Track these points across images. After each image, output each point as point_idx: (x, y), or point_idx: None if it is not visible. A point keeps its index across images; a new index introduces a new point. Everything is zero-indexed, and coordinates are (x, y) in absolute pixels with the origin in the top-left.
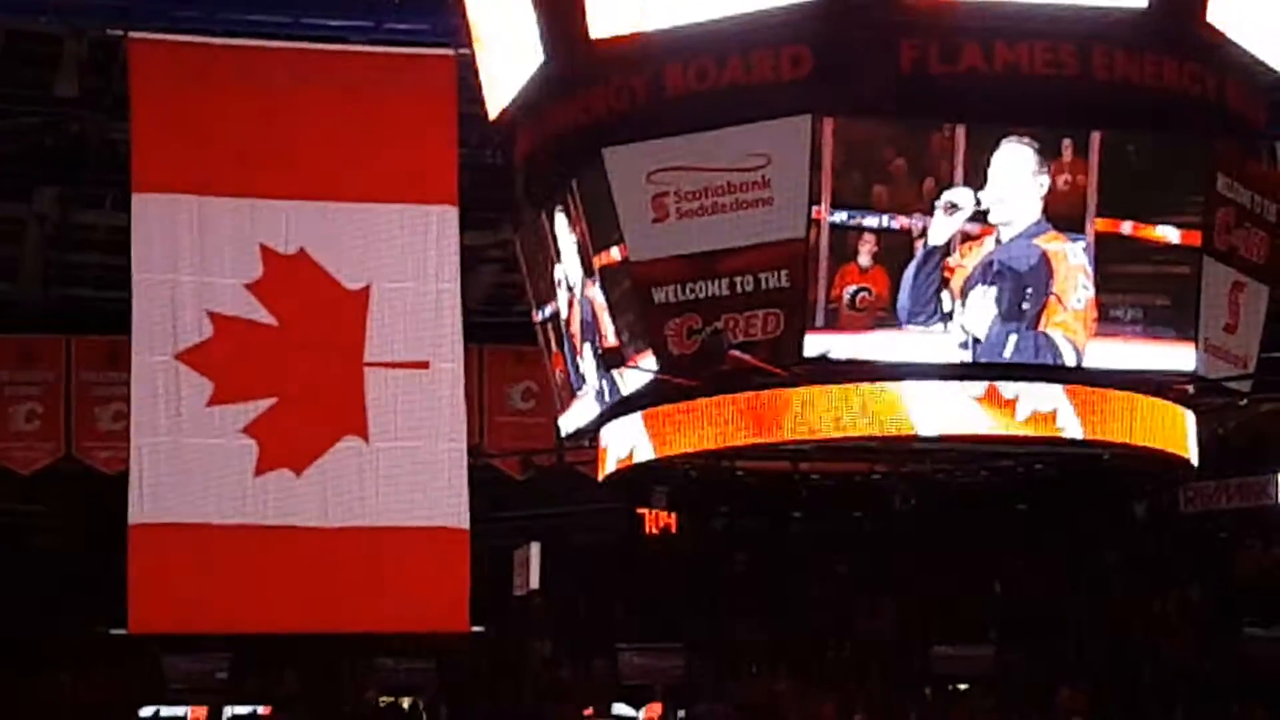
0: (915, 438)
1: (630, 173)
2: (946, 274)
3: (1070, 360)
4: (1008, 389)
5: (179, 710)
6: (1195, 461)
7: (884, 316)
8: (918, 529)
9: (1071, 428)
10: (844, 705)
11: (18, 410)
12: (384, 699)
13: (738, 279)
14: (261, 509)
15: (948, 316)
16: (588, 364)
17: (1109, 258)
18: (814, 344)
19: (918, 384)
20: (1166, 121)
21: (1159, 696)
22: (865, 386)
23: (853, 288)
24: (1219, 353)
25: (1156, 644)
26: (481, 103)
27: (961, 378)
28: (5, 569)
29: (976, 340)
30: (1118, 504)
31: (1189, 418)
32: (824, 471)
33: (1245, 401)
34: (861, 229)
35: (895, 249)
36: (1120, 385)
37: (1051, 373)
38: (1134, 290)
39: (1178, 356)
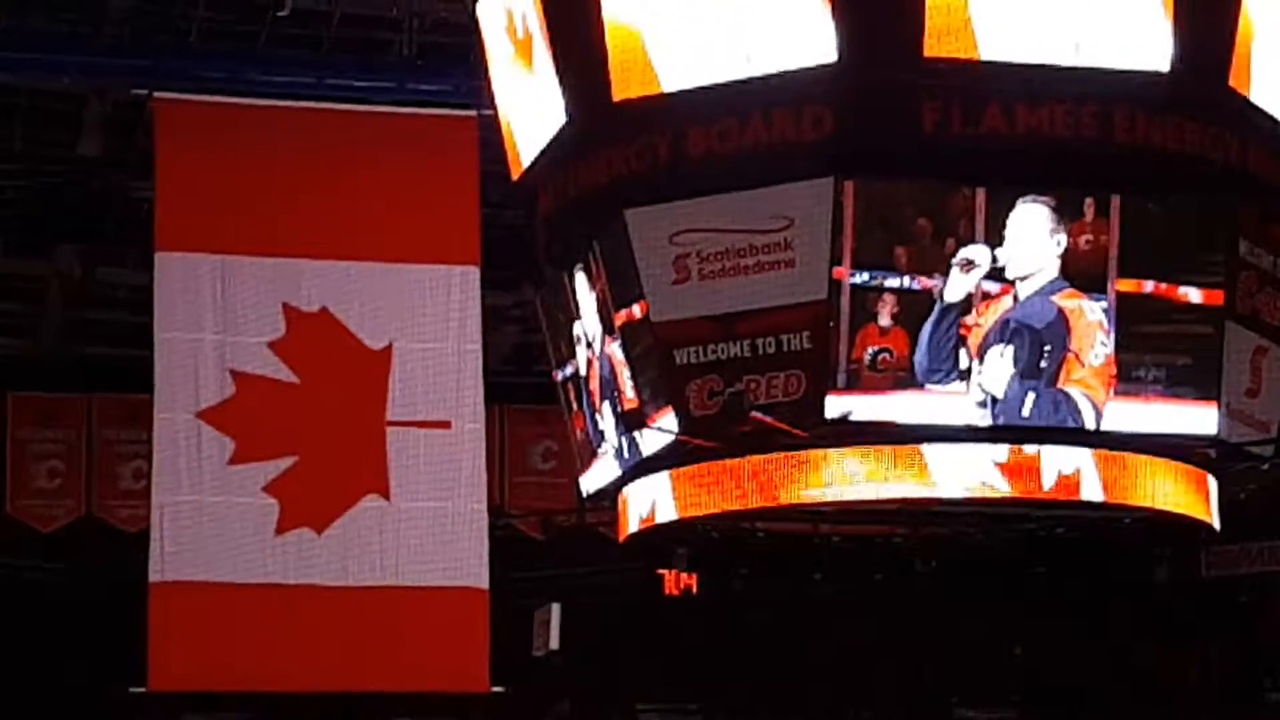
0: (937, 501)
1: (652, 234)
2: (964, 332)
3: (1090, 419)
4: (1031, 451)
5: None
6: (1217, 525)
7: (904, 377)
8: (939, 590)
9: (1093, 491)
10: None
11: (39, 468)
12: None
13: (759, 340)
14: (282, 568)
15: (965, 374)
16: (607, 422)
17: (1131, 317)
18: (835, 405)
19: (939, 446)
20: (1187, 185)
21: None
22: (886, 449)
23: (873, 349)
24: (1241, 417)
25: (1178, 708)
26: (504, 162)
27: (983, 440)
28: (25, 625)
29: (995, 399)
30: (1139, 567)
31: (1211, 482)
32: (844, 533)
33: (1267, 466)
34: (883, 289)
35: (915, 310)
36: (1142, 449)
37: (1072, 435)
38: (1156, 350)
39: (1200, 418)
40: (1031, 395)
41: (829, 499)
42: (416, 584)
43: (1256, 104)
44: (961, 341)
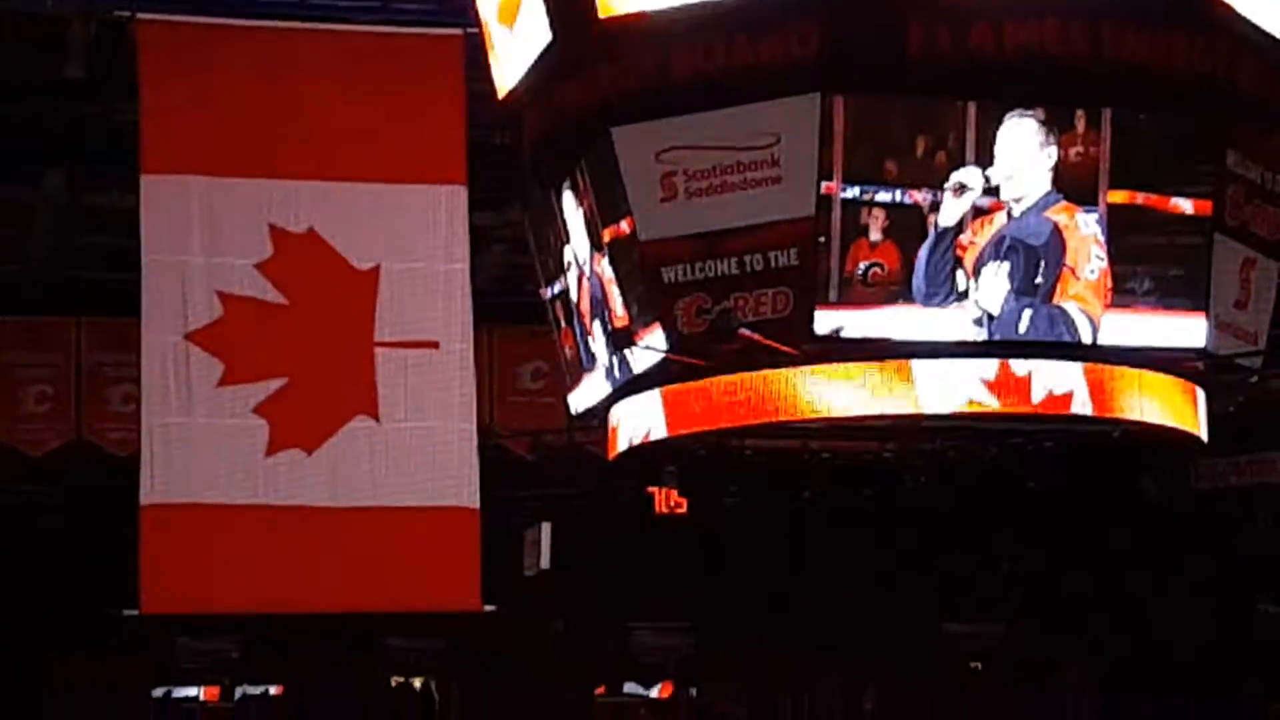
0: (926, 417)
1: (638, 152)
2: (959, 252)
3: (1086, 334)
4: (1020, 367)
5: (191, 691)
6: (1205, 438)
7: (896, 292)
8: (928, 506)
9: (1082, 405)
10: (854, 683)
11: (28, 392)
12: (396, 679)
13: (747, 258)
14: (273, 489)
15: (963, 296)
16: (598, 342)
17: (1123, 229)
18: (826, 321)
19: (930, 363)
20: (1176, 98)
21: (1169, 674)
22: (876, 365)
23: (865, 263)
24: (1230, 329)
25: (1166, 621)
26: (490, 82)
27: (974, 355)
28: (17, 551)
29: (991, 316)
30: (1127, 481)
31: (1199, 394)
32: (834, 450)
33: (1256, 378)
34: (874, 204)
35: (905, 223)
36: (1132, 363)
37: (1064, 350)
38: (1148, 261)
39: (1190, 330)
40: (1028, 312)
41: (818, 415)
42: (407, 504)
43: (1245, 16)
44: (958, 263)
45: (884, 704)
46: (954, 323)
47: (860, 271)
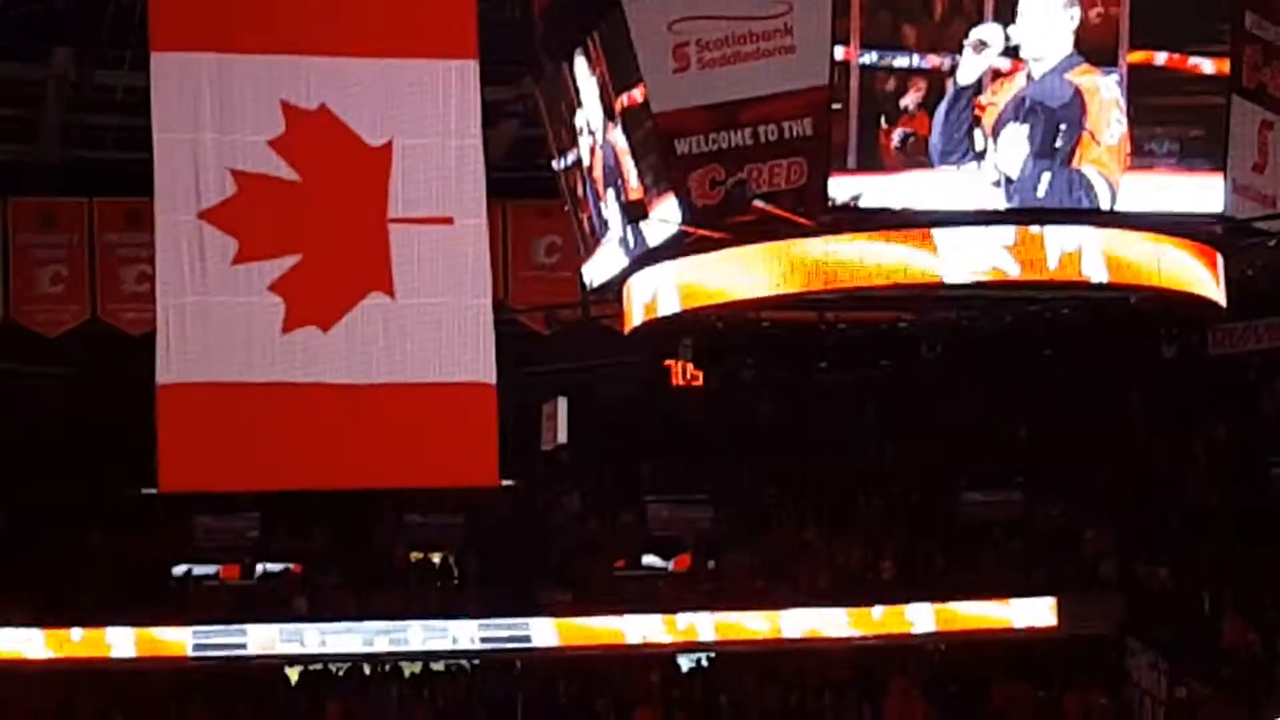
0: (943, 285)
1: (651, 22)
2: (978, 112)
3: (1104, 198)
4: (1038, 233)
5: (210, 569)
6: (1223, 303)
7: (920, 159)
8: (944, 375)
9: (1099, 272)
10: (872, 553)
11: (42, 273)
12: (414, 554)
13: (760, 128)
14: (289, 366)
15: (980, 155)
16: (611, 210)
17: (1143, 90)
18: (843, 188)
19: (947, 231)
20: None
21: (1186, 536)
22: (893, 235)
23: (901, 131)
24: (1247, 193)
25: (1183, 484)
26: None
27: (992, 223)
28: (34, 432)
29: (1009, 179)
30: (1145, 346)
31: (1217, 259)
32: (850, 320)
33: (1274, 242)
34: (891, 70)
35: (935, 92)
36: (1151, 228)
37: (1082, 217)
38: (1168, 122)
39: (1210, 192)
40: (1047, 175)
41: (834, 286)
42: (423, 380)
43: None
44: (976, 122)
45: (902, 572)
46: (972, 187)
47: (898, 140)
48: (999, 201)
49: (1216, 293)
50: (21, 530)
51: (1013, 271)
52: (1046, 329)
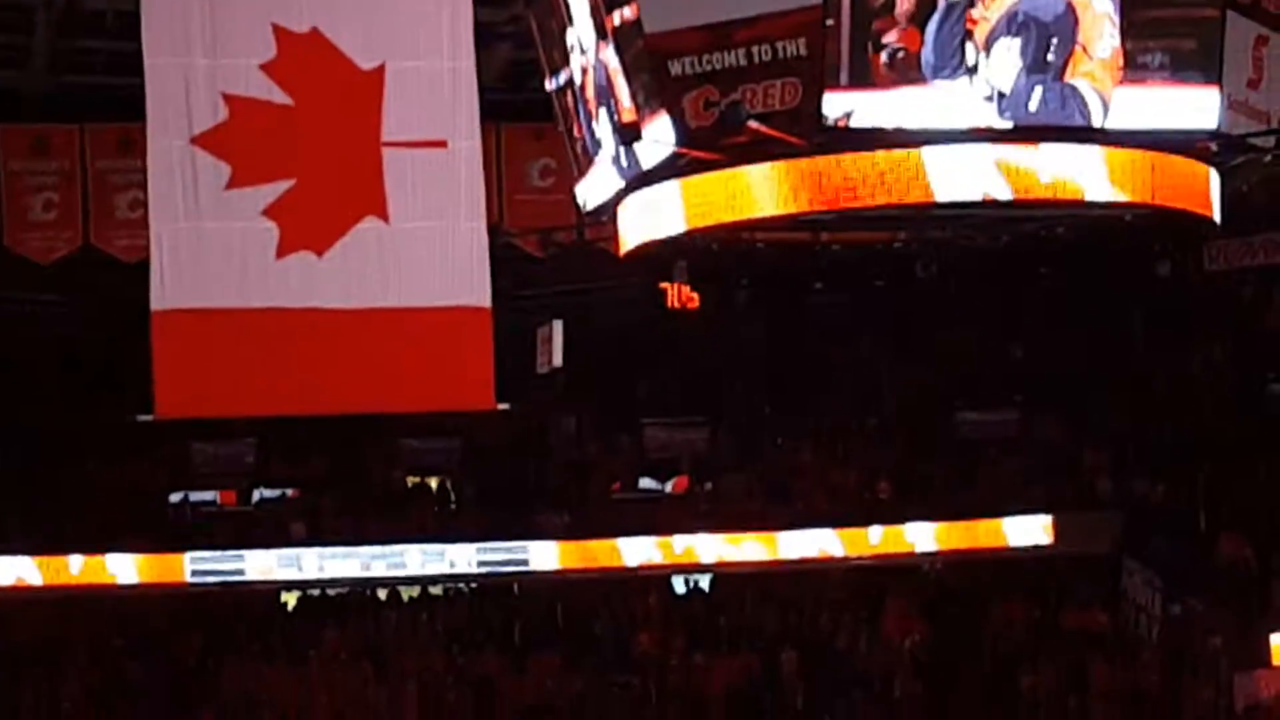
0: (937, 204)
1: None
2: (969, 26)
3: (1097, 113)
4: (1027, 152)
5: (208, 495)
6: (1219, 219)
7: (912, 75)
8: (940, 295)
9: (1094, 189)
10: (868, 474)
11: (34, 200)
12: (411, 479)
13: (754, 49)
14: (284, 292)
15: (972, 70)
16: (604, 128)
17: (1135, 2)
18: (836, 104)
19: (940, 149)
20: None
21: (1183, 454)
22: (886, 153)
23: (891, 46)
24: (1242, 108)
25: (1180, 401)
26: None
27: (985, 140)
28: (30, 359)
29: (1001, 94)
30: (1140, 265)
31: (1212, 175)
32: (845, 241)
33: (1269, 158)
34: None
35: (927, 6)
36: (1146, 144)
37: (1075, 134)
38: (1161, 35)
39: (1203, 108)
40: (1039, 90)
41: (827, 206)
42: (418, 304)
43: None
44: (968, 35)
45: (899, 492)
46: (964, 103)
47: (886, 56)
48: (991, 116)
49: (1212, 209)
50: (18, 458)
51: (1005, 189)
52: (1042, 248)
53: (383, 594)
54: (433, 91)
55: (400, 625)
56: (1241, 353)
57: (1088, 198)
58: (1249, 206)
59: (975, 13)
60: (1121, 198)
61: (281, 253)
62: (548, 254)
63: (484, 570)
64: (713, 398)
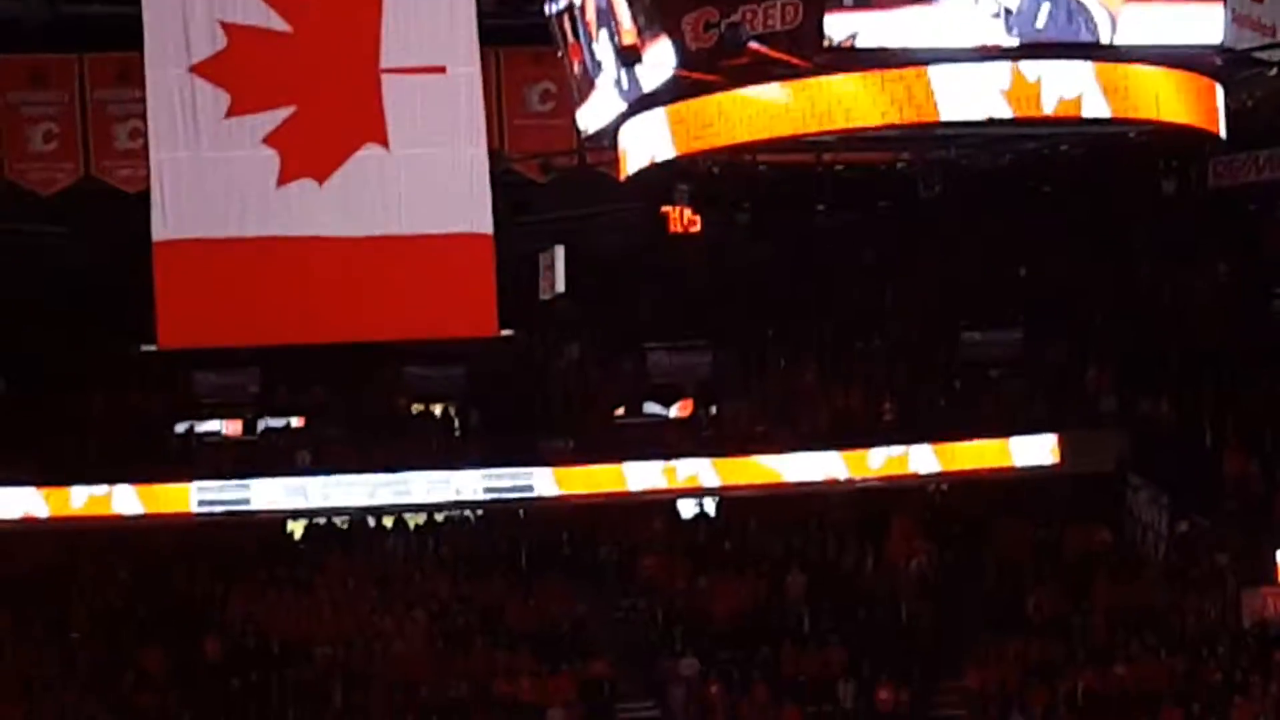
0: (940, 123)
1: None
2: None
3: (1104, 30)
4: (1033, 70)
5: (212, 425)
6: (1224, 134)
7: None
8: (943, 216)
9: (1098, 107)
10: (872, 396)
11: (34, 131)
12: (415, 406)
13: None
14: (285, 220)
15: None
16: (604, 50)
17: None
18: (840, 25)
19: (943, 68)
20: None
21: (1187, 371)
22: (889, 73)
23: None
24: (1247, 22)
25: (1184, 319)
26: None
27: (991, 59)
28: (32, 290)
29: (1009, 11)
30: (1145, 182)
31: (1217, 90)
32: (847, 162)
33: (1275, 71)
34: None
35: None
36: (1151, 60)
37: (1081, 51)
38: None
39: (1209, 22)
40: (1046, 6)
41: (830, 127)
42: (420, 231)
43: None
44: None
45: (903, 413)
46: (971, 21)
47: None
48: (999, 33)
49: (1217, 125)
50: (21, 390)
51: (1011, 106)
52: (1046, 167)
53: (388, 521)
54: (431, 17)
55: (406, 552)
56: (1246, 269)
57: (1093, 114)
58: (1254, 121)
59: None
60: (1126, 115)
61: (282, 181)
62: (549, 179)
63: (489, 497)
64: (715, 321)
